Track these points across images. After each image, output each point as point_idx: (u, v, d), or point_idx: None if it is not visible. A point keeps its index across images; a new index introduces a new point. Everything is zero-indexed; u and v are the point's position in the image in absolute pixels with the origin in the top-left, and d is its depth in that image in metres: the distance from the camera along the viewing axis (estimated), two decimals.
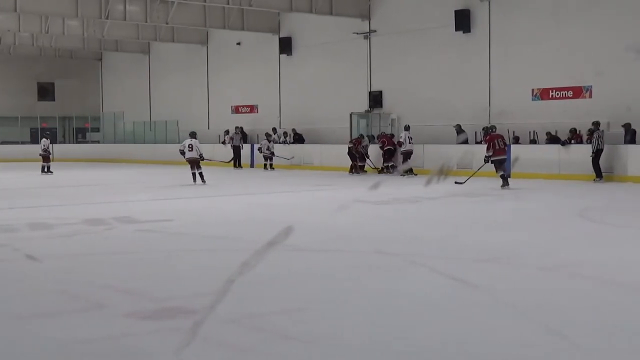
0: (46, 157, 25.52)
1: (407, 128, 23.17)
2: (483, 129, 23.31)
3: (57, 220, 11.92)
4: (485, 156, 17.60)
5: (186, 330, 5.26)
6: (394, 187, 17.60)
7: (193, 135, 20.22)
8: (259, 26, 30.80)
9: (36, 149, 35.22)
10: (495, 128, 18.59)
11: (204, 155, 19.84)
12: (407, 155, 22.54)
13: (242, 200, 15.87)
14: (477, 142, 23.71)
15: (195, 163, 19.50)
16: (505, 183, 17.35)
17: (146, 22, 29.24)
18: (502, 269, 7.81)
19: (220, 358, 4.85)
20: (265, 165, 26.96)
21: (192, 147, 19.55)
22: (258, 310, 5.94)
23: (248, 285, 6.58)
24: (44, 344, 5.16)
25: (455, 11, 24.66)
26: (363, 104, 27.88)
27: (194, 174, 19.45)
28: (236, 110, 33.63)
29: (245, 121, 31.95)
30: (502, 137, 18.08)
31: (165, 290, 6.76)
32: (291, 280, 7.18)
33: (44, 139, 26.36)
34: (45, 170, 25.01)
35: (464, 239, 9.80)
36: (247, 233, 10.36)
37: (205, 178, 19.35)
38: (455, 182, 17.51)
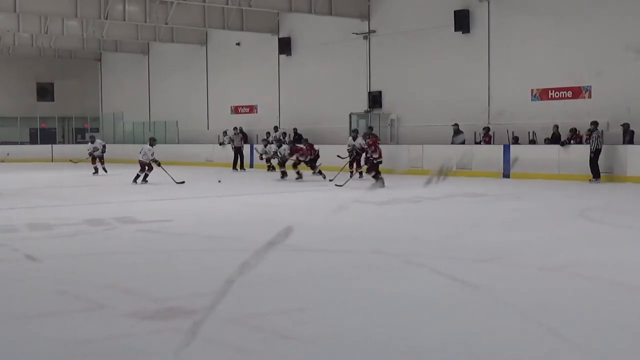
0: (94, 158, 24.86)
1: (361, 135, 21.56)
2: (484, 129, 23.39)
3: (58, 221, 11.92)
4: (372, 158, 17.83)
5: (186, 330, 5.27)
6: (394, 187, 17.59)
7: (150, 141, 21.43)
8: (258, 26, 30.82)
9: (35, 150, 35.32)
10: (373, 128, 18.88)
11: (156, 159, 20.61)
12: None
13: (242, 201, 15.87)
14: (476, 142, 23.75)
15: (142, 166, 20.59)
16: (382, 184, 17.65)
17: (145, 22, 29.25)
18: (502, 269, 7.81)
19: (220, 358, 4.85)
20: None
21: (140, 151, 20.85)
22: (258, 310, 5.95)
23: (248, 285, 6.58)
24: (44, 344, 5.16)
25: (454, 11, 24.68)
26: (362, 104, 27.89)
27: (137, 175, 20.55)
28: (236, 110, 33.64)
29: (244, 121, 31.95)
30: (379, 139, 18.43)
31: (165, 291, 6.76)
32: (291, 280, 7.18)
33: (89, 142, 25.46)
34: (100, 171, 24.65)
35: (464, 239, 9.80)
36: (247, 233, 10.36)
37: (147, 179, 20.42)
38: (336, 185, 18.13)
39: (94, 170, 24.64)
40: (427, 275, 7.45)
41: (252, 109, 33.00)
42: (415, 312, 5.97)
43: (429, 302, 6.26)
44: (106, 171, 24.67)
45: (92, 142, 25.27)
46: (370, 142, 18.17)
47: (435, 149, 22.76)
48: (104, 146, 25.39)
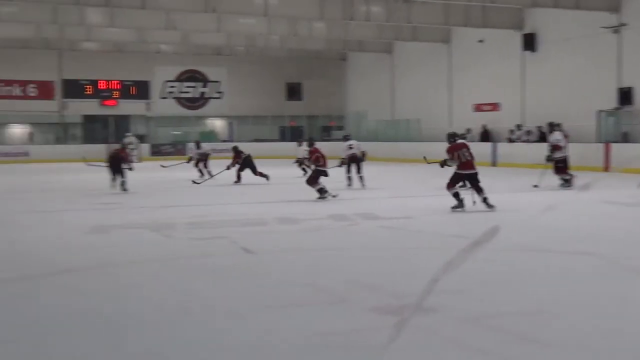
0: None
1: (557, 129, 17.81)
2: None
3: (305, 215, 12.53)
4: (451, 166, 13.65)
5: (425, 329, 5.38)
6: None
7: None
8: (501, 23, 30.38)
9: (282, 147, 36.71)
10: (464, 137, 14.88)
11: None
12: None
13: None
14: None
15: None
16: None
17: (388, 22, 29.79)
18: None
19: (457, 358, 4.92)
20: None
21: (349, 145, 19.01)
22: (493, 311, 5.95)
23: (483, 285, 6.58)
24: (289, 333, 5.46)
25: None
26: (610, 101, 26.68)
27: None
28: (477, 108, 33.35)
29: (486, 119, 31.67)
30: (467, 146, 13.48)
31: (403, 286, 6.90)
32: (521, 282, 7.09)
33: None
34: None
35: None
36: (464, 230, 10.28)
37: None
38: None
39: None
40: None
41: (494, 106, 32.57)
42: None
43: None
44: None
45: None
46: (450, 148, 13.53)
47: None
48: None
